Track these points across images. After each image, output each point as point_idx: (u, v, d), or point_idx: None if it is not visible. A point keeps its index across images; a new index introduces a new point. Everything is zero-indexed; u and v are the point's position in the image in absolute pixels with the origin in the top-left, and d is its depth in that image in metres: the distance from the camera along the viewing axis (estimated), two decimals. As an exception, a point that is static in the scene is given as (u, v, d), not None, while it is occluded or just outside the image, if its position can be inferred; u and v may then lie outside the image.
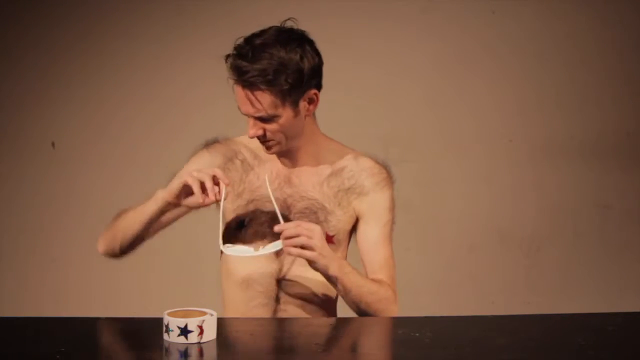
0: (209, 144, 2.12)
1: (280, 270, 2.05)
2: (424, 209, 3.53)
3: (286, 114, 1.95)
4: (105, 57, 3.48)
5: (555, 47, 3.56)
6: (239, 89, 1.94)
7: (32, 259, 3.53)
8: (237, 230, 2.06)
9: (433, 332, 1.76)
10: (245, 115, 1.96)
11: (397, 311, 2.02)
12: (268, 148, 2.00)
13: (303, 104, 1.97)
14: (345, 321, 1.92)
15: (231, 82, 1.95)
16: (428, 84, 3.55)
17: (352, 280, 1.96)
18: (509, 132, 3.59)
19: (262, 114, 1.94)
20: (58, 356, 1.58)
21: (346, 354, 1.69)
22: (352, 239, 2.13)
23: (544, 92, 3.58)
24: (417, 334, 1.74)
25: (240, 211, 2.06)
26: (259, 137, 1.98)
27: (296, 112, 1.96)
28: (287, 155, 2.06)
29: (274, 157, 2.07)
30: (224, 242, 2.01)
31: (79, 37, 3.48)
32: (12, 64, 3.48)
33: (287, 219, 2.00)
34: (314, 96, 1.98)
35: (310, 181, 2.06)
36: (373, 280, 2.03)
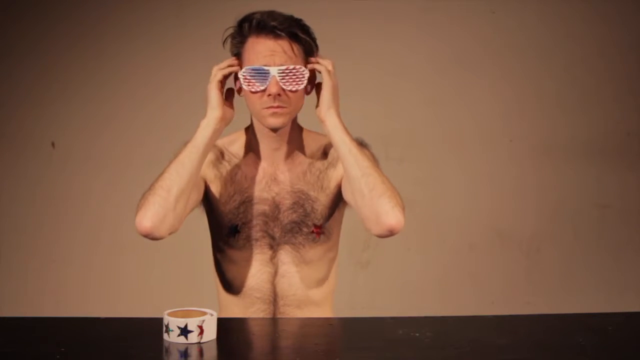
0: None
1: (276, 272, 2.06)
2: (424, 209, 3.53)
3: None
4: (105, 58, 3.48)
5: (556, 47, 3.56)
6: (263, 42, 1.92)
7: (32, 259, 3.53)
8: (229, 237, 2.05)
9: (433, 332, 1.76)
10: (262, 69, 1.90)
11: (402, 220, 1.88)
12: (276, 116, 1.94)
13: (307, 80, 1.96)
14: (345, 321, 1.92)
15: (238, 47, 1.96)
16: (428, 84, 3.56)
17: (350, 137, 1.93)
18: (509, 132, 3.59)
19: (294, 63, 1.92)
20: (58, 356, 1.58)
21: (346, 354, 1.69)
22: (342, 237, 2.14)
23: (544, 92, 3.58)
24: (417, 334, 1.74)
25: (232, 216, 2.04)
26: (274, 99, 1.92)
27: (305, 84, 1.96)
28: (275, 150, 2.04)
29: (258, 158, 2.05)
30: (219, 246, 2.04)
31: (78, 38, 3.48)
32: (12, 64, 3.48)
33: (276, 218, 2.04)
34: (313, 74, 2.00)
35: (295, 175, 2.06)
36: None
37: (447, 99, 3.56)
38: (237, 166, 2.06)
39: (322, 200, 2.06)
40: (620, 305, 3.45)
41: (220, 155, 2.07)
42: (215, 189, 2.05)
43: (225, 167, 2.07)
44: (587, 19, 3.56)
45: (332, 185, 2.06)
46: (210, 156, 2.05)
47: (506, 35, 3.55)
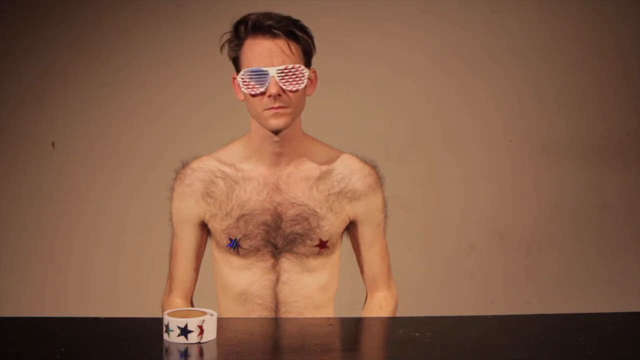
0: (181, 173, 2.05)
1: (277, 280, 2.04)
2: (424, 209, 3.53)
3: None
4: (105, 57, 3.48)
5: (556, 47, 3.56)
6: (260, 43, 1.90)
7: (32, 259, 3.53)
8: (229, 250, 2.03)
9: (433, 332, 1.76)
10: (260, 70, 1.88)
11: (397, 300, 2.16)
12: (277, 117, 1.91)
13: (307, 80, 1.94)
14: (345, 321, 1.92)
15: (234, 52, 1.94)
16: (428, 84, 3.55)
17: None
18: (509, 132, 3.59)
19: (293, 62, 1.89)
20: (58, 356, 1.58)
21: (346, 354, 1.69)
22: (344, 239, 2.14)
23: (544, 92, 3.58)
24: (417, 334, 1.74)
25: (231, 230, 2.01)
26: (275, 100, 1.89)
27: (305, 84, 1.94)
28: (277, 155, 2.00)
29: (259, 166, 2.01)
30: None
31: (78, 37, 3.48)
32: (12, 64, 3.48)
33: (279, 228, 2.01)
34: (314, 74, 1.98)
35: (299, 187, 2.01)
36: (373, 308, 2.12)
37: (447, 99, 3.56)
38: (234, 181, 2.01)
39: (331, 220, 2.03)
40: (620, 305, 3.45)
41: (212, 175, 2.03)
42: (212, 220, 2.03)
43: (219, 186, 2.02)
44: (587, 19, 3.56)
45: (344, 214, 2.05)
46: (200, 186, 2.03)
47: (506, 35, 3.54)
